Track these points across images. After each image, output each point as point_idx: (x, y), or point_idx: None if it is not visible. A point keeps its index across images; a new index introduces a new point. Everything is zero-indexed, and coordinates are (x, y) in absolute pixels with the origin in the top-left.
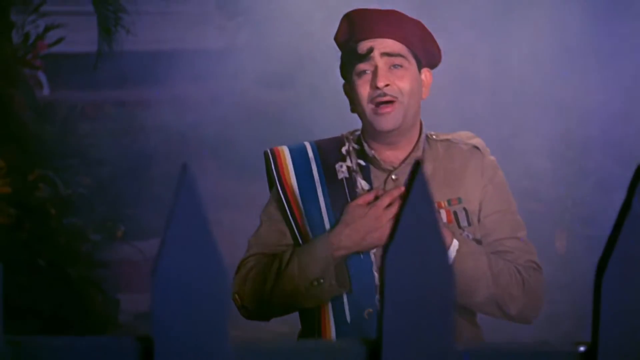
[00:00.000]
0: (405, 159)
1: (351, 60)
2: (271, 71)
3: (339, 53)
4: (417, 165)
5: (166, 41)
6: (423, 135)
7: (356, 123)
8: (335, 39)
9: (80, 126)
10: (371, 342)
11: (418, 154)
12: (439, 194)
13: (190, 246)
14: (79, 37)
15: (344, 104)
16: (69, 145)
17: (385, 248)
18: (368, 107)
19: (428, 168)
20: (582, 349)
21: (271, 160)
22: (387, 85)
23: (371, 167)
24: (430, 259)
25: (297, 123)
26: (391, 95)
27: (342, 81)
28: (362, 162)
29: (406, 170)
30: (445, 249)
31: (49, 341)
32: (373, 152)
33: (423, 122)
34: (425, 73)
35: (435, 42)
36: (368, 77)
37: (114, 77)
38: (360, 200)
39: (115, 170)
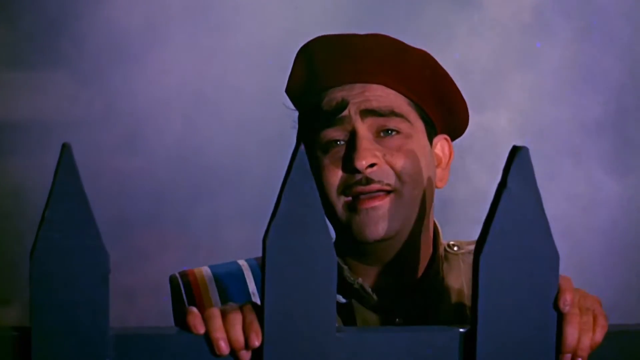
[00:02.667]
0: (413, 290)
1: (313, 123)
2: (129, 140)
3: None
4: (298, 145)
5: (13, 109)
6: (441, 249)
7: None
8: (288, 89)
9: None
10: None
11: (434, 281)
12: None
13: (69, 225)
14: None
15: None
16: None
17: (266, 234)
18: (339, 202)
19: (449, 305)
20: (462, 330)
21: (182, 292)
22: (372, 165)
23: (355, 303)
24: (312, 241)
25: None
26: (380, 182)
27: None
28: (340, 297)
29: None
30: (327, 230)
31: None
32: (359, 279)
33: (439, 227)
34: (442, 143)
35: (456, 88)
36: (340, 151)
37: None
38: None
39: None
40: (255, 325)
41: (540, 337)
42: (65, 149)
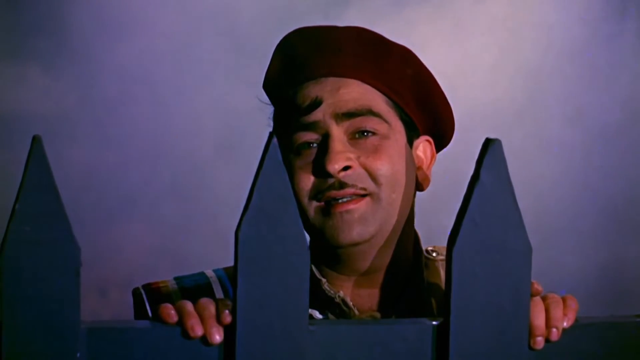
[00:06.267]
0: (395, 302)
1: (287, 121)
2: (101, 134)
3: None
4: (271, 137)
5: None
6: (422, 256)
7: None
8: (265, 83)
9: None
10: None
11: (417, 291)
12: None
13: (40, 218)
14: None
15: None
16: None
17: (238, 227)
18: (311, 207)
19: (433, 315)
20: (435, 322)
21: (147, 307)
22: (346, 168)
23: (330, 317)
24: (285, 234)
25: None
26: (354, 187)
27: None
28: (315, 312)
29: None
30: (300, 222)
31: None
32: (341, 292)
33: (419, 234)
34: (425, 145)
35: (440, 90)
36: (312, 154)
37: None
38: None
39: None
40: (227, 309)
41: (513, 329)
42: (36, 141)
